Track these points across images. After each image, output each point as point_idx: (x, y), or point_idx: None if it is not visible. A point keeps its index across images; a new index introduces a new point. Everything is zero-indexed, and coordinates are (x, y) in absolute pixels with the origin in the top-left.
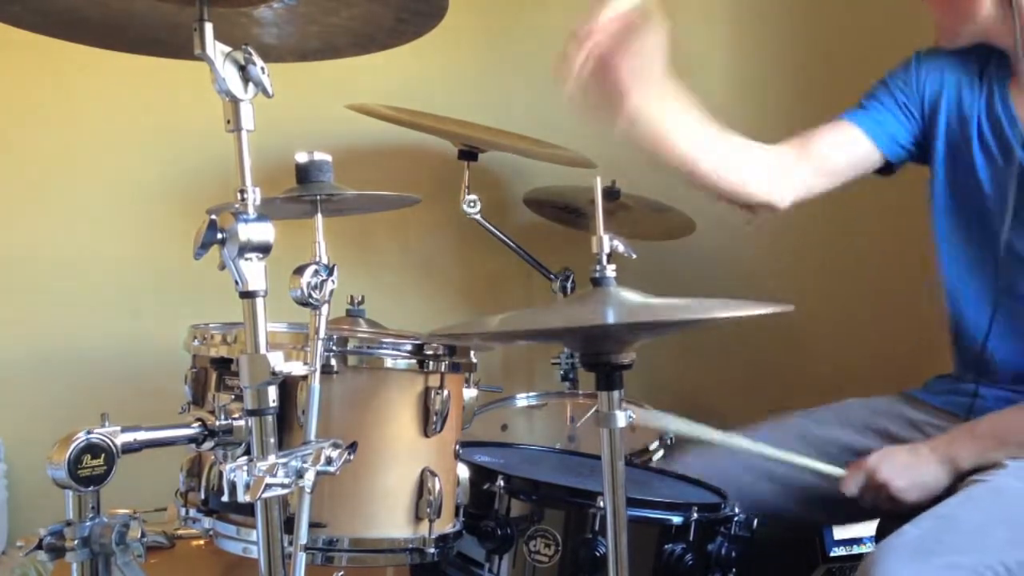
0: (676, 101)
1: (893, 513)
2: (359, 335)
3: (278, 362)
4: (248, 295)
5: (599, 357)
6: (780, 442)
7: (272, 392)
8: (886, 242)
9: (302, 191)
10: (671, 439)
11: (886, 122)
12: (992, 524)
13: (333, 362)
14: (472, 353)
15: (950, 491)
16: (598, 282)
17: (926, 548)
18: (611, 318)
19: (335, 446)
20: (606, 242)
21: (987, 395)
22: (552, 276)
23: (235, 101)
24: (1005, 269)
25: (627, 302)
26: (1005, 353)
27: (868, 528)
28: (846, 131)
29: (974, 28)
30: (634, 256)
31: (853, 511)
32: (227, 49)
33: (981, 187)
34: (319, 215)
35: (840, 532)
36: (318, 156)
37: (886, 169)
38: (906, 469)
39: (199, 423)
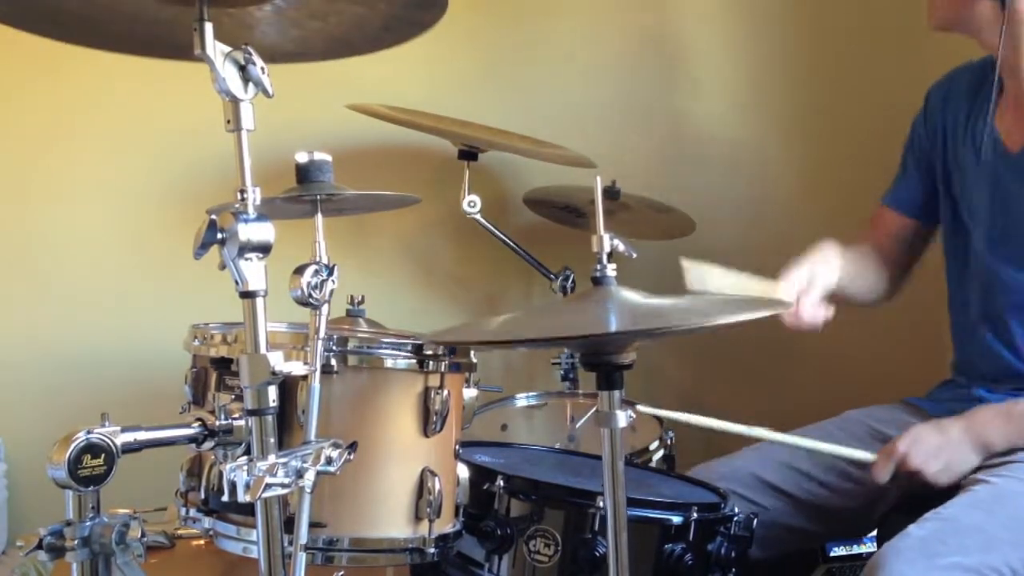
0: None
1: (925, 494)
2: (359, 335)
3: (278, 362)
4: (248, 295)
5: (599, 357)
6: (787, 450)
7: (272, 392)
8: None
9: (302, 191)
10: (672, 439)
11: (911, 189)
12: (996, 526)
13: (333, 362)
14: (472, 353)
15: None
16: (599, 281)
17: (931, 549)
18: (614, 322)
19: (335, 446)
20: (606, 241)
21: (989, 398)
22: (552, 276)
23: (235, 101)
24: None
25: (629, 303)
26: (1001, 356)
27: None
28: (886, 218)
29: (966, 15)
30: (634, 256)
31: (854, 525)
32: (227, 49)
33: (967, 199)
34: (319, 215)
35: None
36: (318, 156)
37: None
38: (938, 453)
39: (199, 423)
